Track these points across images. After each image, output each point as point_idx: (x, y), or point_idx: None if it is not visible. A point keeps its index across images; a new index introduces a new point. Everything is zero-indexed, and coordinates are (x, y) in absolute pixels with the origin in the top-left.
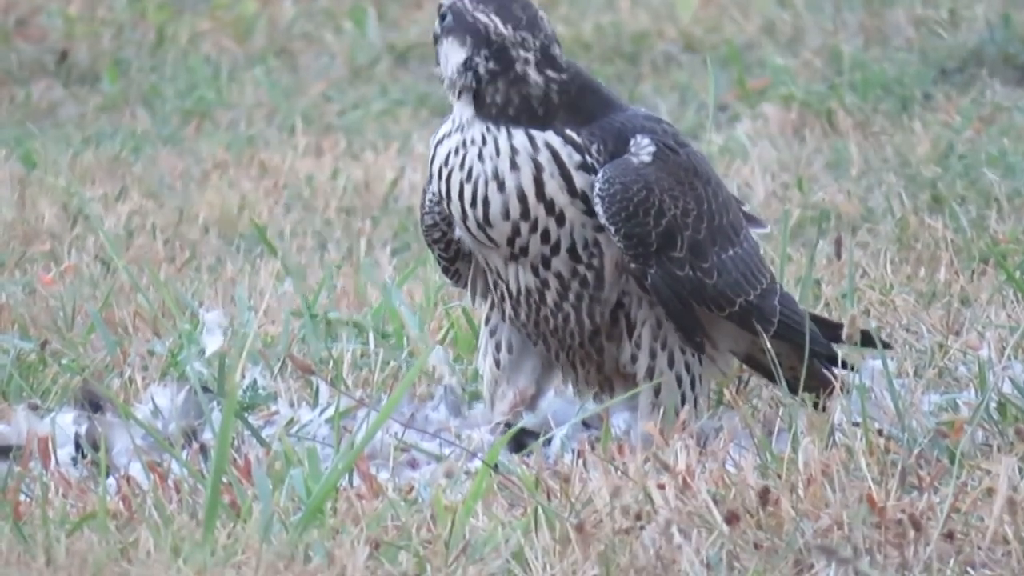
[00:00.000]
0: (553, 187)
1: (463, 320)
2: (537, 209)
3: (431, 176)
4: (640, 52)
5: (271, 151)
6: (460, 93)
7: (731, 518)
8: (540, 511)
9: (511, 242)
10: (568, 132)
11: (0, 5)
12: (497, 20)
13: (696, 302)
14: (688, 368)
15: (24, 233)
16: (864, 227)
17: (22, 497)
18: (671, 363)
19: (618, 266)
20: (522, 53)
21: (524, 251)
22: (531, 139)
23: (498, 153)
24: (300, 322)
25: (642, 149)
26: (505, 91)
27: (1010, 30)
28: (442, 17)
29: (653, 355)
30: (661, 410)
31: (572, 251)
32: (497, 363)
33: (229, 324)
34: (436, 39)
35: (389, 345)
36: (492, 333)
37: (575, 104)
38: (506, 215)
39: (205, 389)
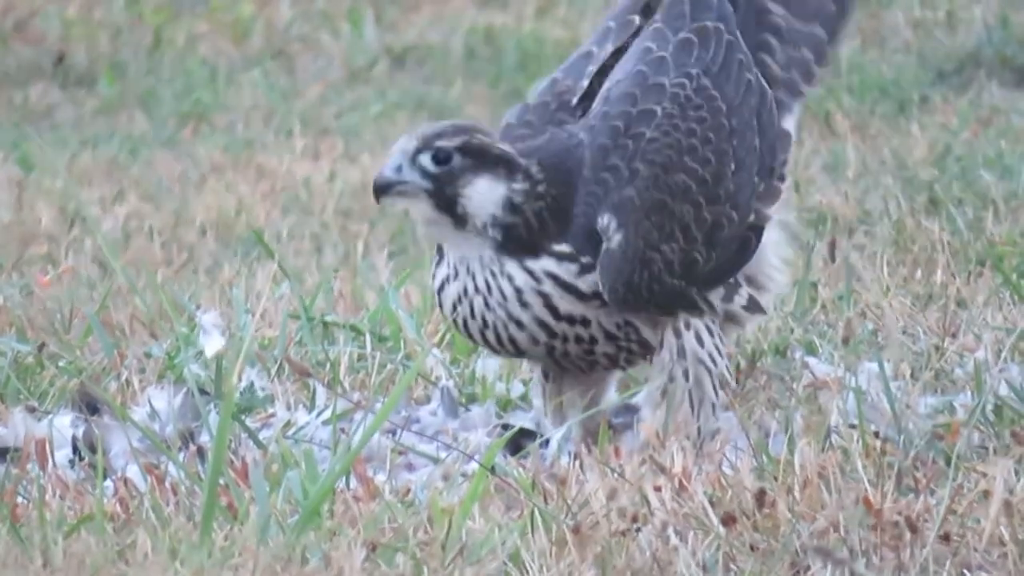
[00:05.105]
0: (566, 305)
1: None
2: (560, 326)
3: (446, 318)
4: None
5: (268, 154)
6: (491, 230)
7: (727, 520)
8: (536, 513)
9: (550, 354)
10: (558, 248)
11: None
12: (506, 146)
13: (735, 246)
14: (729, 371)
15: (21, 235)
16: (861, 229)
17: (19, 499)
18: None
19: (657, 322)
20: (527, 163)
21: (566, 355)
22: (530, 273)
23: (505, 298)
24: (297, 325)
25: (609, 231)
26: (531, 210)
27: (1008, 32)
28: (441, 161)
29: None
30: (679, 409)
31: (610, 336)
32: (548, 375)
33: (226, 327)
34: (441, 182)
35: (386, 348)
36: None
37: (555, 197)
38: (535, 342)
39: (202, 391)
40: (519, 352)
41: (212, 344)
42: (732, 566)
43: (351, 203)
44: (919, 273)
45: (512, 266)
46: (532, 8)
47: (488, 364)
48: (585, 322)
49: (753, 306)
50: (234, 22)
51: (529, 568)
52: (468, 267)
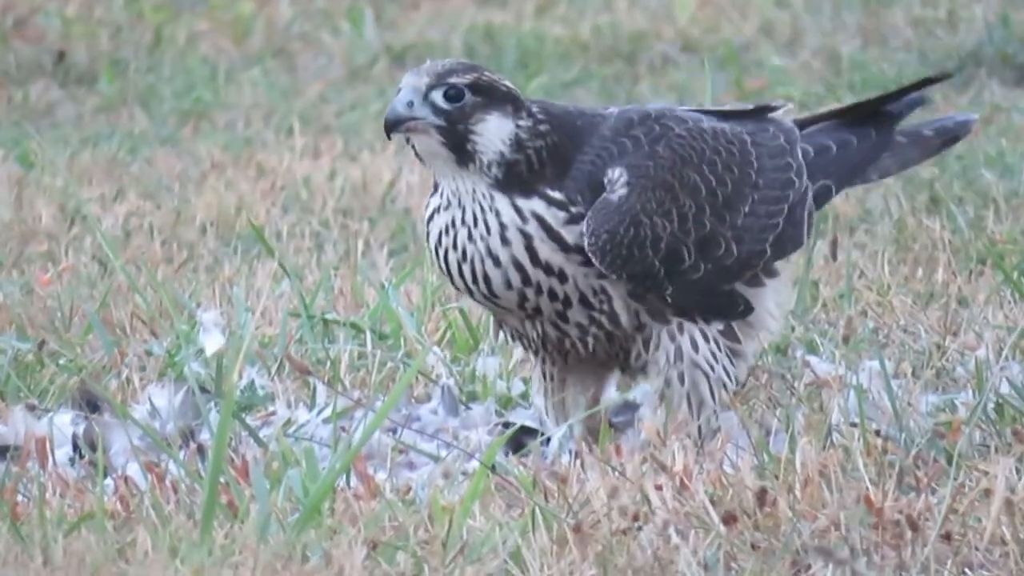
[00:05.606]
0: (546, 251)
1: (460, 321)
2: (536, 273)
3: (430, 250)
4: (638, 52)
5: (268, 152)
6: (494, 168)
7: (728, 519)
8: (537, 512)
9: (522, 306)
10: (550, 193)
11: None
12: (510, 82)
13: (727, 283)
14: (728, 374)
15: (21, 233)
16: (862, 228)
17: (20, 497)
18: (710, 369)
19: (628, 302)
20: (529, 103)
21: (538, 311)
22: (518, 211)
23: (488, 232)
24: (297, 323)
25: (616, 184)
26: (532, 148)
27: (1008, 30)
28: (453, 98)
29: (696, 365)
30: (680, 410)
31: (584, 301)
32: (545, 374)
33: (227, 325)
34: (453, 119)
35: (386, 346)
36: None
37: (556, 143)
38: (508, 285)
39: (203, 389)
40: (492, 296)
41: (212, 342)
42: (733, 565)
43: (351, 201)
44: (920, 272)
45: (502, 202)
46: (532, 6)
47: (489, 363)
48: (562, 277)
49: (728, 334)
50: (234, 20)
51: (530, 567)
52: (460, 199)
